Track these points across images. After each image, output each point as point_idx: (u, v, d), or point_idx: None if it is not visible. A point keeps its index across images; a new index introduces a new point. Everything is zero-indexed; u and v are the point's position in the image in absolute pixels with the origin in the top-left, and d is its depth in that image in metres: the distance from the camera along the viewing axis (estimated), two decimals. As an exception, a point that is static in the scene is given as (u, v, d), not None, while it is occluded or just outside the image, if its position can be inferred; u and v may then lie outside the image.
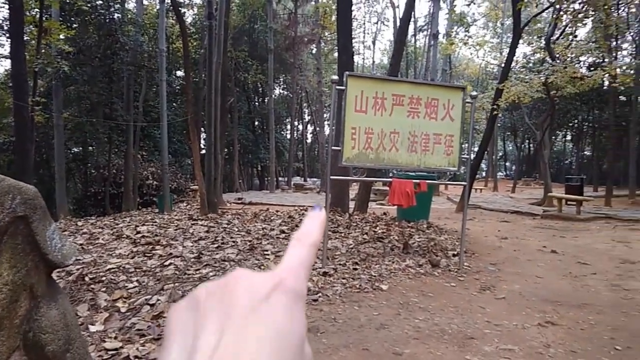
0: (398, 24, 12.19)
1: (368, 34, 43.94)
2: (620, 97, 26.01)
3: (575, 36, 14.76)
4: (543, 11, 14.29)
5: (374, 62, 44.78)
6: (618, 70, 13.63)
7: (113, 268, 4.95)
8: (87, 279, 4.51)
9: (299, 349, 0.27)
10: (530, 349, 3.40)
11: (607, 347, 3.48)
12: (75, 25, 14.54)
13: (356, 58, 38.79)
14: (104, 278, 4.59)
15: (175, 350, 0.28)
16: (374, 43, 43.79)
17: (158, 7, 15.59)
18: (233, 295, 0.28)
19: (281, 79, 32.73)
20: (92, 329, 3.38)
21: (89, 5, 13.94)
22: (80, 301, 3.91)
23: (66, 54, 12.79)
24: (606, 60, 14.42)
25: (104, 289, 4.25)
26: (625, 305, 4.56)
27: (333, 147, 5.39)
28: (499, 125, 32.71)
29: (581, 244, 8.23)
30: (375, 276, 5.17)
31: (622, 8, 23.25)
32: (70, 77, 13.99)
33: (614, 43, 14.64)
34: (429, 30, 23.26)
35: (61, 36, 12.40)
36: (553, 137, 35.37)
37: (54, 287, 1.85)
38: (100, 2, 14.89)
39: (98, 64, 14.99)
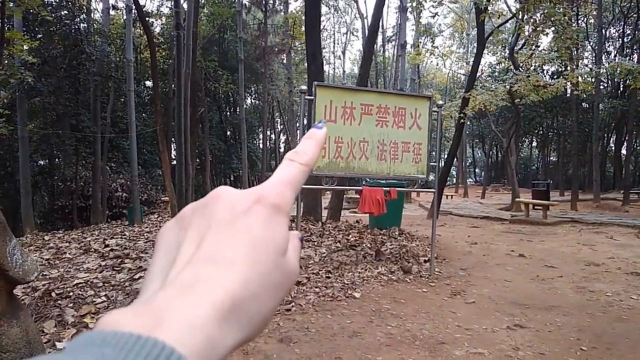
0: (367, 34, 12.35)
1: (338, 44, 44.41)
2: (582, 104, 26.92)
3: (538, 46, 15.24)
4: (505, 22, 14.73)
5: (344, 71, 45.18)
6: (579, 78, 14.09)
7: (81, 283, 4.83)
8: (53, 294, 4.39)
9: (276, 256, 0.28)
10: (499, 352, 3.46)
11: (574, 348, 3.58)
12: (39, 36, 14.20)
13: (327, 68, 39.08)
14: (71, 293, 4.47)
15: (159, 262, 0.29)
16: (343, 53, 44.19)
17: (125, 17, 15.39)
18: (214, 210, 0.29)
19: (252, 89, 32.62)
20: (60, 345, 3.29)
21: (53, 15, 13.64)
22: (47, 317, 3.80)
23: (30, 64, 12.47)
24: (568, 68, 14.91)
25: (71, 305, 4.14)
26: (590, 306, 4.70)
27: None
28: (467, 132, 33.39)
29: (548, 247, 8.44)
30: (348, 284, 5.19)
31: (582, 19, 24.22)
32: (35, 88, 13.63)
33: (575, 52, 15.15)
34: (397, 41, 23.66)
35: (25, 47, 12.09)
36: (519, 144, 36.24)
37: (15, 304, 1.80)
38: (66, 12, 14.60)
39: (64, 74, 14.65)
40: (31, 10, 12.74)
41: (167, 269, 0.27)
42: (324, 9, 31.26)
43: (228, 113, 30.52)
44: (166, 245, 0.30)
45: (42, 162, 18.45)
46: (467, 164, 43.61)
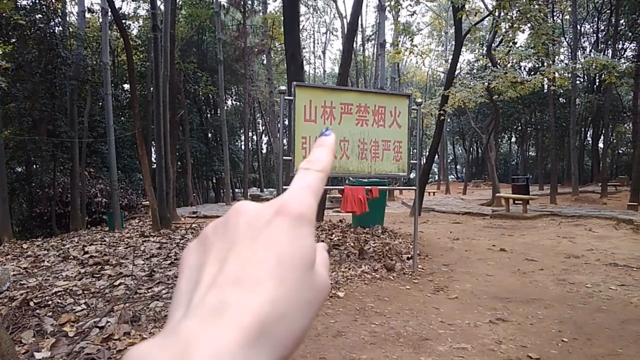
0: (346, 33, 12.38)
1: (318, 44, 44.45)
2: (559, 99, 27.37)
3: (515, 43, 15.44)
4: (482, 20, 14.87)
5: (324, 71, 45.26)
6: (556, 74, 14.30)
7: (59, 291, 4.74)
8: (32, 303, 4.30)
9: (304, 272, 0.26)
10: (482, 347, 3.49)
11: (555, 340, 3.63)
12: (13, 40, 13.89)
13: (307, 68, 39.14)
14: (50, 302, 4.38)
15: (183, 285, 0.28)
16: (324, 53, 44.25)
17: (101, 20, 15.16)
18: (234, 227, 0.28)
19: (233, 90, 32.48)
20: (38, 356, 3.22)
21: (27, 19, 13.36)
22: (25, 327, 3.72)
23: (4, 70, 12.20)
24: (545, 64, 15.13)
25: (50, 314, 4.06)
26: (570, 298, 4.77)
27: (284, 157, 5.40)
28: (447, 130, 33.68)
29: (528, 241, 8.56)
30: (332, 284, 5.18)
31: (557, 15, 24.63)
32: (10, 94, 13.34)
33: (551, 48, 15.39)
34: (376, 40, 23.76)
35: (-2, 52, 11.85)
36: (499, 140, 36.80)
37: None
38: (40, 15, 14.31)
39: (39, 79, 14.37)
40: (3, 14, 12.49)
41: (192, 292, 0.26)
42: (303, 8, 31.32)
43: (209, 115, 30.33)
44: (189, 267, 0.29)
45: (19, 169, 18.09)
46: (449, 160, 44.00)
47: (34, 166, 17.46)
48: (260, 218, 0.28)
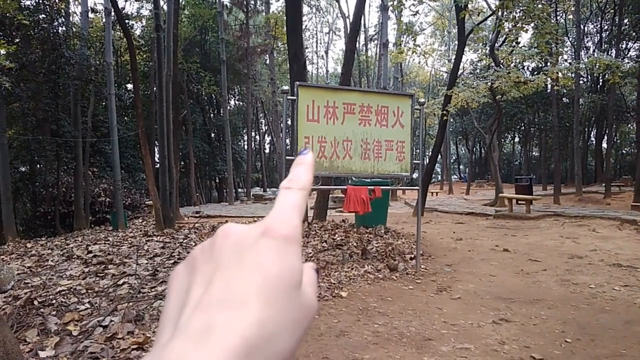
0: (349, 33, 12.38)
1: (321, 43, 44.51)
2: (563, 99, 27.29)
3: (518, 43, 15.39)
4: (485, 19, 14.85)
5: (327, 71, 45.23)
6: (559, 73, 14.26)
7: (63, 290, 4.76)
8: (36, 302, 4.32)
9: (290, 292, 0.26)
10: (485, 347, 3.48)
11: (559, 341, 3.62)
12: (16, 40, 13.94)
13: (310, 67, 39.18)
14: (54, 301, 4.40)
15: (171, 306, 0.28)
16: (326, 53, 44.23)
17: (104, 20, 15.20)
18: (220, 249, 0.28)
19: (236, 90, 32.51)
20: (42, 354, 3.23)
21: (30, 19, 13.41)
22: (29, 326, 3.73)
23: (8, 70, 12.24)
24: (548, 64, 15.10)
25: (54, 313, 4.08)
26: (574, 299, 4.76)
27: (287, 157, 5.40)
28: (450, 130, 33.67)
29: (532, 241, 8.54)
30: (334, 284, 5.18)
31: (560, 14, 24.56)
32: (14, 93, 13.37)
33: (555, 48, 15.35)
34: (379, 40, 23.72)
35: (1, 52, 11.87)
36: (502, 140, 36.72)
37: (-9, 315, 1.76)
38: (44, 16, 14.35)
39: (43, 79, 14.40)
40: (7, 14, 12.54)
41: (178, 313, 0.26)
42: (305, 8, 31.32)
43: (212, 115, 30.37)
44: (176, 289, 0.29)
45: (23, 169, 18.15)
46: (451, 160, 44.01)
47: (38, 166, 17.52)
48: (246, 240, 0.28)
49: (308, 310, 0.28)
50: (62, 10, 15.53)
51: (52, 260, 6.71)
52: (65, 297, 4.52)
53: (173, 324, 0.26)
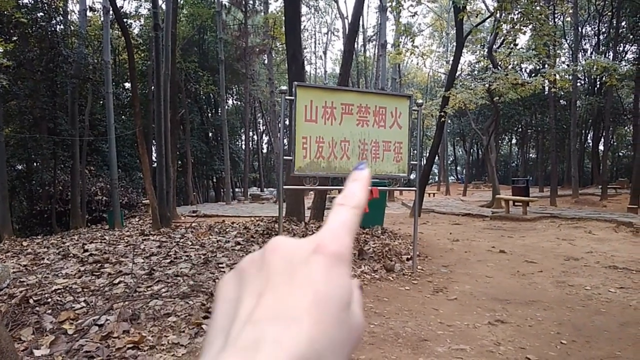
0: (347, 34, 12.39)
1: (319, 44, 44.47)
2: (560, 101, 27.37)
3: (516, 45, 15.44)
4: (483, 21, 14.88)
5: (326, 71, 45.28)
6: (557, 76, 14.31)
7: (59, 289, 4.73)
8: (31, 301, 4.29)
9: (340, 312, 0.26)
10: (481, 348, 3.49)
11: (554, 342, 3.63)
12: (14, 38, 13.90)
13: (308, 68, 39.21)
14: (49, 299, 4.38)
15: (219, 317, 0.28)
16: (325, 53, 44.27)
17: (102, 18, 15.17)
18: (271, 263, 0.28)
19: (234, 90, 32.49)
20: (37, 353, 3.22)
21: (28, 17, 13.37)
22: (25, 325, 3.72)
23: (5, 68, 12.21)
24: (546, 66, 15.16)
25: (49, 311, 4.06)
26: (570, 300, 4.77)
27: (284, 157, 5.40)
28: (448, 131, 33.68)
29: (528, 243, 8.56)
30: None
31: (558, 17, 24.64)
32: (11, 91, 13.35)
33: (552, 50, 15.40)
34: (377, 40, 23.74)
35: (-1, 49, 11.87)
36: (499, 141, 36.79)
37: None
38: (42, 14, 14.30)
39: (40, 77, 14.37)
40: (5, 12, 12.50)
41: (228, 326, 0.26)
42: (304, 9, 31.33)
43: (209, 114, 30.34)
44: (225, 299, 0.29)
45: (19, 167, 18.10)
46: (449, 162, 44.00)
47: (35, 164, 17.47)
48: (297, 255, 0.28)
49: (356, 331, 0.28)
50: (60, 9, 15.50)
51: (48, 259, 6.68)
52: (60, 296, 4.50)
53: (224, 334, 0.26)
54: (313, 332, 0.24)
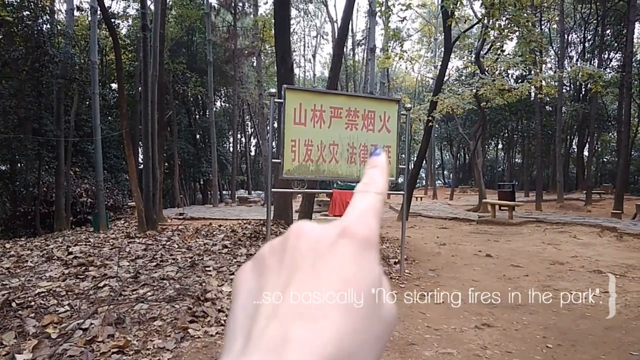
0: (336, 37, 12.42)
1: (308, 47, 44.54)
2: (546, 107, 27.71)
3: (503, 51, 15.59)
4: (471, 27, 15.04)
5: (314, 74, 45.34)
6: (543, 82, 14.48)
7: (43, 292, 4.66)
8: (14, 304, 4.22)
9: (372, 301, 0.24)
10: (468, 352, 3.50)
11: (540, 346, 3.66)
12: (-1, 37, 13.75)
13: (297, 71, 39.18)
14: (32, 303, 4.30)
15: (239, 312, 0.26)
16: (314, 56, 44.34)
17: (90, 18, 15.03)
18: (295, 250, 0.27)
19: (222, 92, 32.41)
20: (20, 358, 3.16)
21: (14, 16, 13.21)
22: (7, 329, 3.65)
23: (-11, 66, 12.07)
24: (532, 73, 15.33)
25: (32, 315, 3.99)
26: (555, 304, 4.80)
27: (273, 160, 5.38)
28: (435, 135, 33.92)
29: (514, 247, 8.63)
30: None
31: (545, 24, 24.96)
32: (-5, 91, 13.18)
33: (539, 56, 15.59)
34: (367, 45, 23.85)
35: (-17, 48, 11.70)
36: (486, 146, 37.11)
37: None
38: (28, 13, 14.14)
39: (25, 77, 14.18)
40: (-10, 11, 12.36)
41: (250, 321, 0.25)
42: (294, 12, 31.36)
43: (197, 116, 30.18)
44: (245, 292, 0.27)
45: (3, 167, 17.81)
46: (436, 166, 44.34)
47: (19, 165, 17.21)
48: (322, 240, 0.26)
49: (388, 323, 0.26)
50: (47, 8, 15.36)
51: (31, 261, 6.59)
52: (44, 299, 4.43)
53: (245, 333, 0.24)
54: (343, 328, 0.22)
